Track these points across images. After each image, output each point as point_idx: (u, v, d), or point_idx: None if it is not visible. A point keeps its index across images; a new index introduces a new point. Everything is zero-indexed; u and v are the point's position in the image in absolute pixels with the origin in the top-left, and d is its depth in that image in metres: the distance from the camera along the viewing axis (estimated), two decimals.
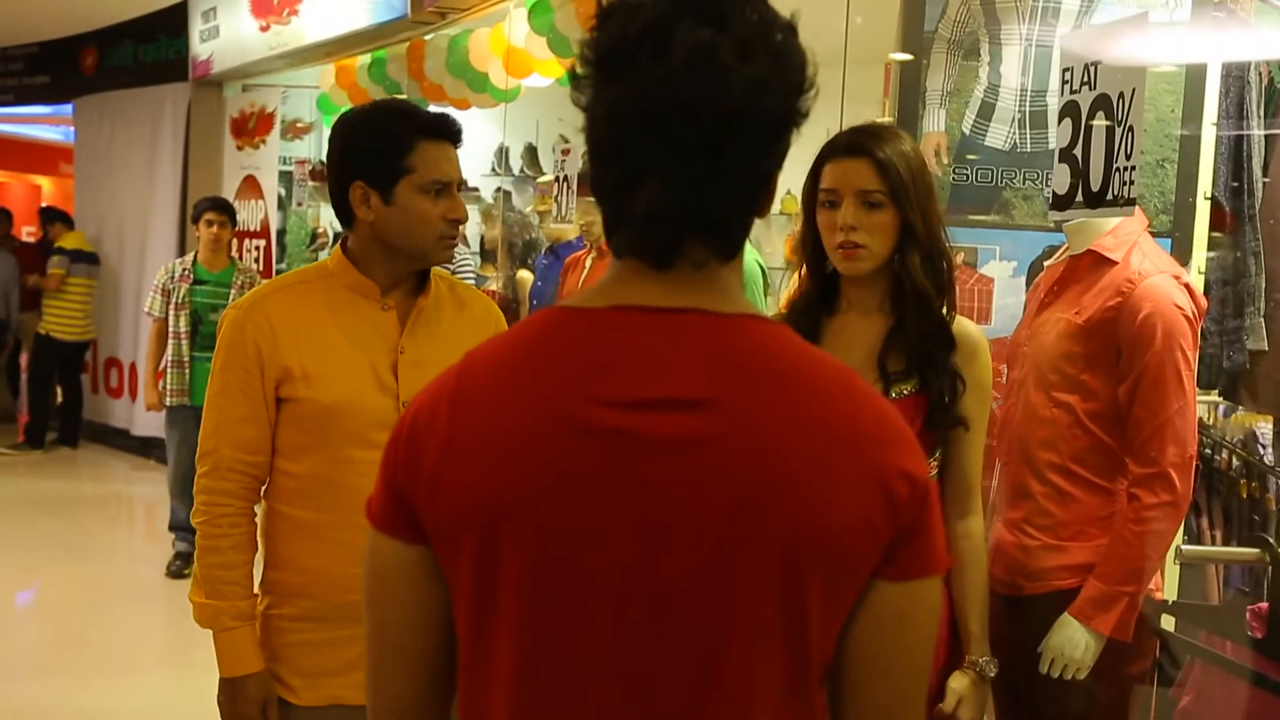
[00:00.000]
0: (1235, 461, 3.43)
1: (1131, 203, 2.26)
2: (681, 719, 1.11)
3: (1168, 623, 2.53)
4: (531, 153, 8.23)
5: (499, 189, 7.81)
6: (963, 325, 2.18)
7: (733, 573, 1.09)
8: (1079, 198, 2.37)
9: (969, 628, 2.18)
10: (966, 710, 2.13)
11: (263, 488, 2.17)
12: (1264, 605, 2.31)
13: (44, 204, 13.28)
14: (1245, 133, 3.15)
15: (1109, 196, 2.28)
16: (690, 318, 1.12)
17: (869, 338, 2.13)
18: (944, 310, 2.14)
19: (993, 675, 2.19)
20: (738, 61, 1.06)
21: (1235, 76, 3.15)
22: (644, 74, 1.07)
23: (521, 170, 8.24)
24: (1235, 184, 3.18)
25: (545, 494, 1.10)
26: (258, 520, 2.20)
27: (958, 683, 2.15)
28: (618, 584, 1.10)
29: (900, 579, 1.13)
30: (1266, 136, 3.19)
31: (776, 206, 7.71)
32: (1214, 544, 3.16)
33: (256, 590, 2.18)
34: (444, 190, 2.09)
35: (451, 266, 6.10)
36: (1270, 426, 3.46)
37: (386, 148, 2.07)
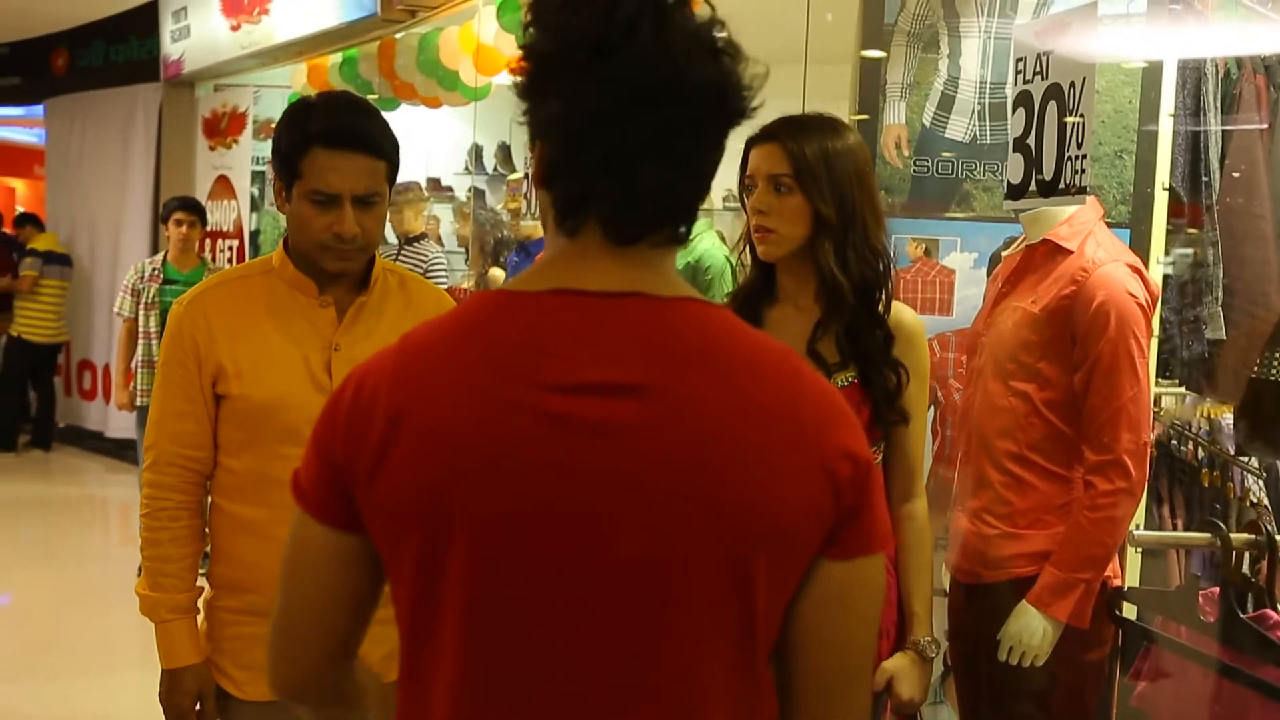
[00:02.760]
0: (1200, 452, 3.45)
1: (1083, 191, 2.27)
2: (630, 705, 1.11)
3: (1128, 611, 2.55)
4: (505, 151, 8.22)
5: (471, 187, 7.81)
6: (900, 313, 2.20)
7: (676, 557, 1.09)
8: (1033, 187, 2.39)
9: (913, 608, 2.19)
10: (905, 688, 2.14)
11: (208, 482, 2.16)
12: (1215, 590, 2.33)
13: (20, 209, 13.19)
14: (1202, 126, 3.17)
15: (1061, 185, 2.30)
16: (631, 302, 1.13)
17: (803, 328, 2.15)
18: (879, 304, 2.15)
19: (933, 656, 2.20)
20: (721, 48, 1.11)
21: (1192, 68, 3.18)
22: (642, 54, 1.08)
23: (495, 169, 8.23)
24: (1193, 175, 3.21)
25: (489, 480, 1.10)
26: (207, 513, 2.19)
27: (893, 662, 2.16)
28: (561, 571, 1.10)
29: (844, 558, 1.15)
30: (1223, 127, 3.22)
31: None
32: (1174, 532, 3.18)
33: (203, 583, 2.17)
34: (329, 202, 1.99)
35: (424, 266, 6.11)
36: (1229, 415, 3.48)
37: (285, 148, 2.02)
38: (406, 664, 1.18)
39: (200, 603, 2.17)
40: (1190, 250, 3.25)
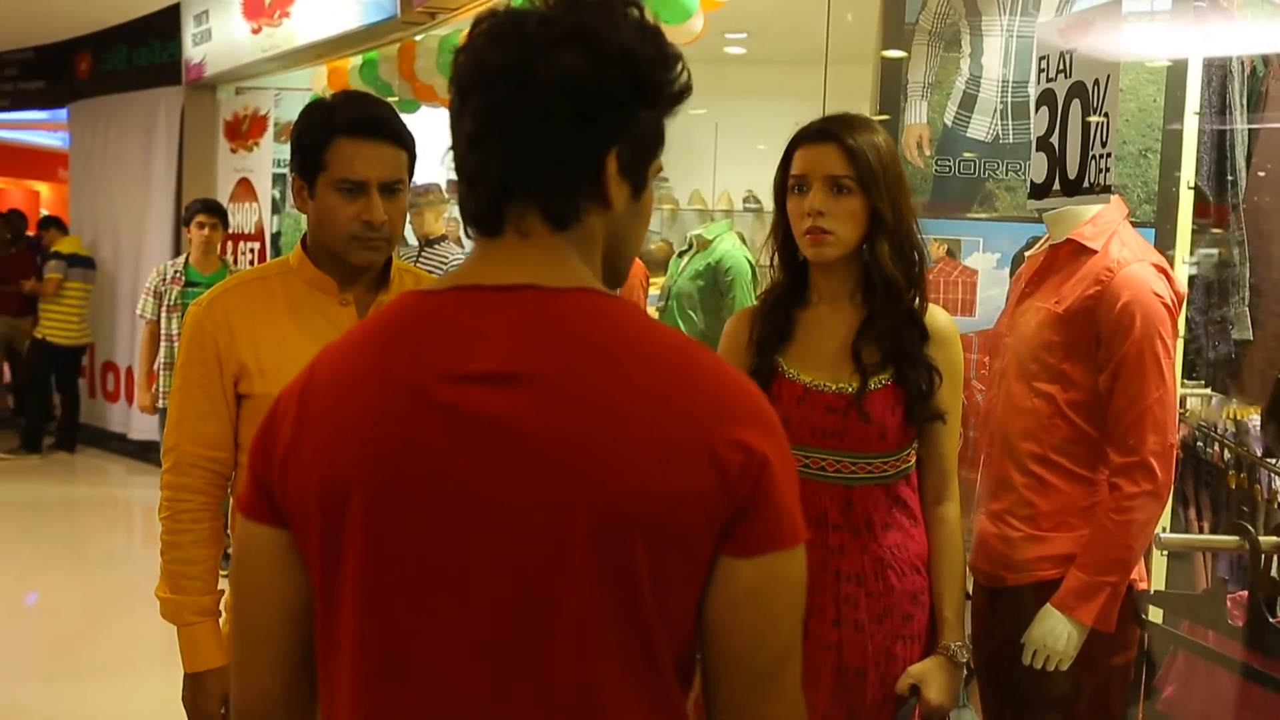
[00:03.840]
0: (1227, 454, 3.41)
1: (1108, 190, 2.25)
2: (515, 693, 1.12)
3: (1153, 614, 2.52)
4: None
5: None
6: (933, 315, 2.18)
7: (552, 545, 1.10)
8: (1056, 185, 2.36)
9: (943, 614, 2.17)
10: (933, 693, 2.12)
11: (229, 484, 2.16)
12: (1244, 593, 2.30)
13: (45, 212, 13.27)
14: (1228, 125, 3.14)
15: (1086, 184, 2.27)
16: (523, 294, 1.15)
17: (841, 330, 2.13)
18: (915, 302, 2.14)
19: (964, 661, 2.18)
20: (538, 28, 1.13)
21: (1218, 66, 3.14)
22: (468, 51, 1.16)
23: None
24: (1219, 173, 3.17)
25: (380, 471, 1.13)
26: (228, 515, 2.19)
27: (922, 666, 2.14)
28: (445, 555, 1.12)
29: (746, 554, 1.13)
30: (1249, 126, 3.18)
31: (769, 204, 7.64)
32: (1201, 534, 3.15)
33: (223, 585, 2.18)
34: (357, 189, 2.02)
35: (445, 268, 6.11)
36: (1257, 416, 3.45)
37: (308, 143, 2.04)
38: (319, 653, 1.20)
39: (222, 605, 2.17)
40: (1216, 250, 3.21)
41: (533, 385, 1.11)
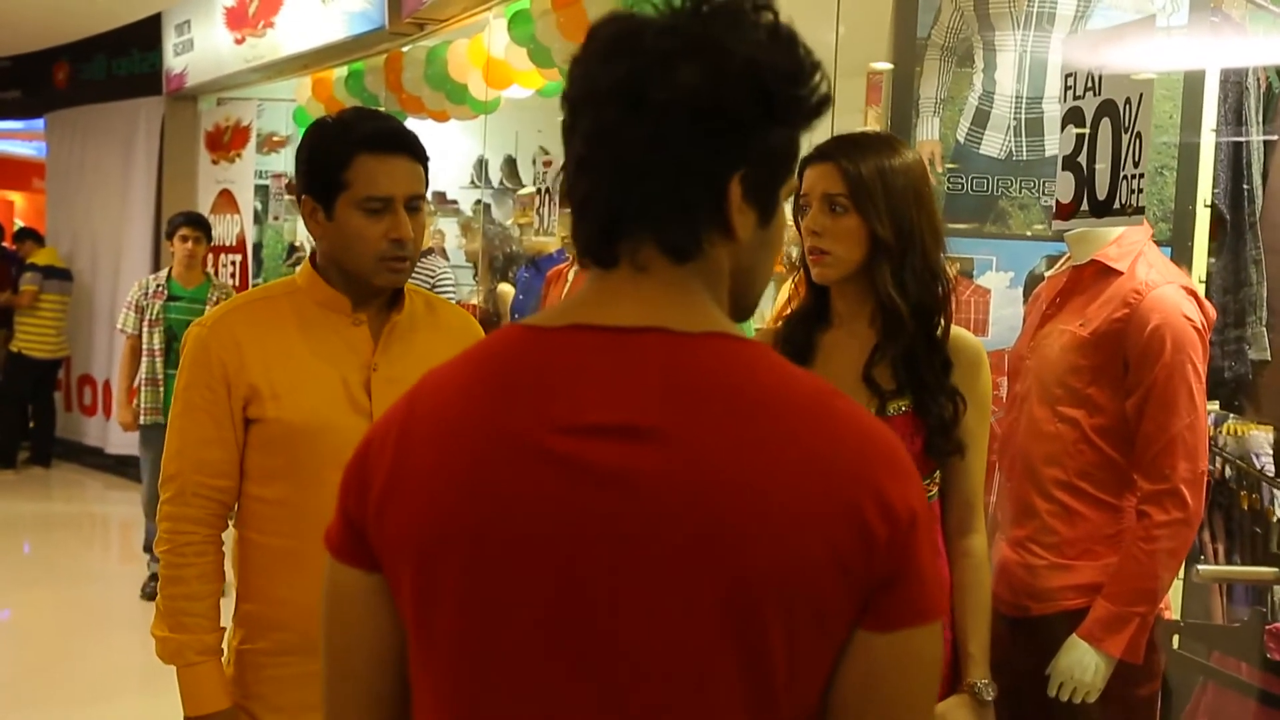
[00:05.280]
0: (1229, 471, 3.38)
1: (1140, 211, 2.20)
2: None
3: (1178, 643, 2.46)
4: (511, 165, 8.15)
5: (478, 201, 7.73)
6: (961, 338, 2.11)
7: (678, 617, 1.00)
8: (1084, 206, 2.31)
9: (968, 649, 2.11)
10: None
11: (231, 514, 2.07)
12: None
13: (19, 222, 13.12)
14: (1244, 139, 3.10)
15: (1116, 205, 2.22)
16: (649, 338, 1.05)
17: (857, 353, 2.08)
18: (937, 328, 2.07)
19: (990, 699, 2.12)
20: (656, 39, 1.03)
21: (1234, 83, 3.11)
22: (581, 65, 1.06)
23: (501, 182, 8.17)
24: (1235, 191, 3.13)
25: (484, 525, 1.03)
26: (227, 549, 2.10)
27: (947, 704, 2.08)
28: (552, 622, 1.02)
29: (885, 629, 1.02)
30: (1265, 143, 3.14)
31: None
32: (1216, 557, 3.10)
33: (227, 624, 2.08)
34: (384, 207, 1.96)
35: (431, 281, 6.03)
36: (1265, 435, 3.41)
37: (326, 162, 1.97)
38: (415, 709, 1.13)
39: (224, 643, 2.08)
40: (1233, 268, 3.17)
41: (659, 440, 1.00)
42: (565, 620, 1.02)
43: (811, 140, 2.16)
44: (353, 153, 1.94)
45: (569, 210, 1.11)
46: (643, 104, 1.02)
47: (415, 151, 1.99)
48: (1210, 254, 3.15)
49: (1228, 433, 3.47)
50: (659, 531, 0.99)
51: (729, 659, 1.00)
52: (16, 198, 15.74)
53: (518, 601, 1.03)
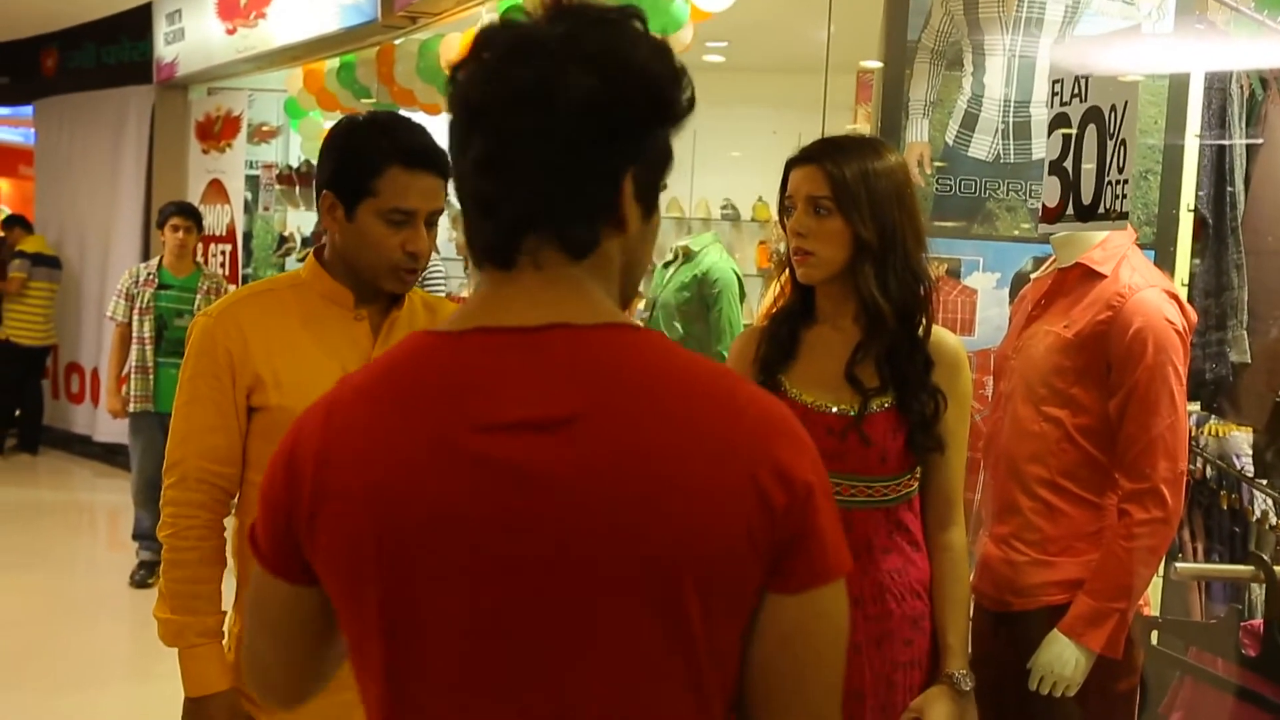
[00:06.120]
0: (1210, 472, 3.43)
1: (1124, 216, 2.24)
2: None
3: (1156, 639, 2.51)
4: None
5: None
6: (941, 338, 2.16)
7: (600, 594, 1.06)
8: (1069, 210, 2.35)
9: (947, 641, 2.16)
10: None
11: (233, 502, 2.10)
12: (1257, 622, 2.30)
13: (4, 209, 13.06)
14: (1227, 143, 3.15)
15: (1101, 210, 2.26)
16: (553, 334, 1.10)
17: (842, 351, 2.12)
18: (919, 327, 2.12)
19: (969, 689, 2.16)
20: (557, 46, 1.08)
21: (1217, 89, 3.15)
22: (477, 66, 1.11)
23: None
24: (1218, 196, 3.18)
25: (408, 529, 1.08)
26: (229, 536, 2.14)
27: (926, 696, 2.12)
28: (481, 611, 1.07)
29: (793, 590, 1.09)
30: (1248, 147, 3.19)
31: (747, 213, 7.66)
32: (1196, 556, 3.16)
33: (228, 608, 2.12)
34: (406, 220, 1.99)
35: (429, 279, 6.05)
36: (1245, 436, 3.47)
37: (357, 165, 1.99)
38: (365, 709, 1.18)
39: (225, 628, 2.11)
40: (1214, 272, 3.22)
41: (570, 430, 1.06)
42: (492, 616, 1.07)
43: (801, 140, 2.21)
44: (387, 163, 1.96)
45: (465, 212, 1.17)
46: (552, 108, 1.07)
47: (443, 169, 2.01)
48: (1193, 257, 3.20)
49: (1209, 434, 3.53)
50: (575, 517, 1.05)
51: (656, 636, 1.06)
52: (2, 184, 15.68)
53: (445, 601, 1.08)
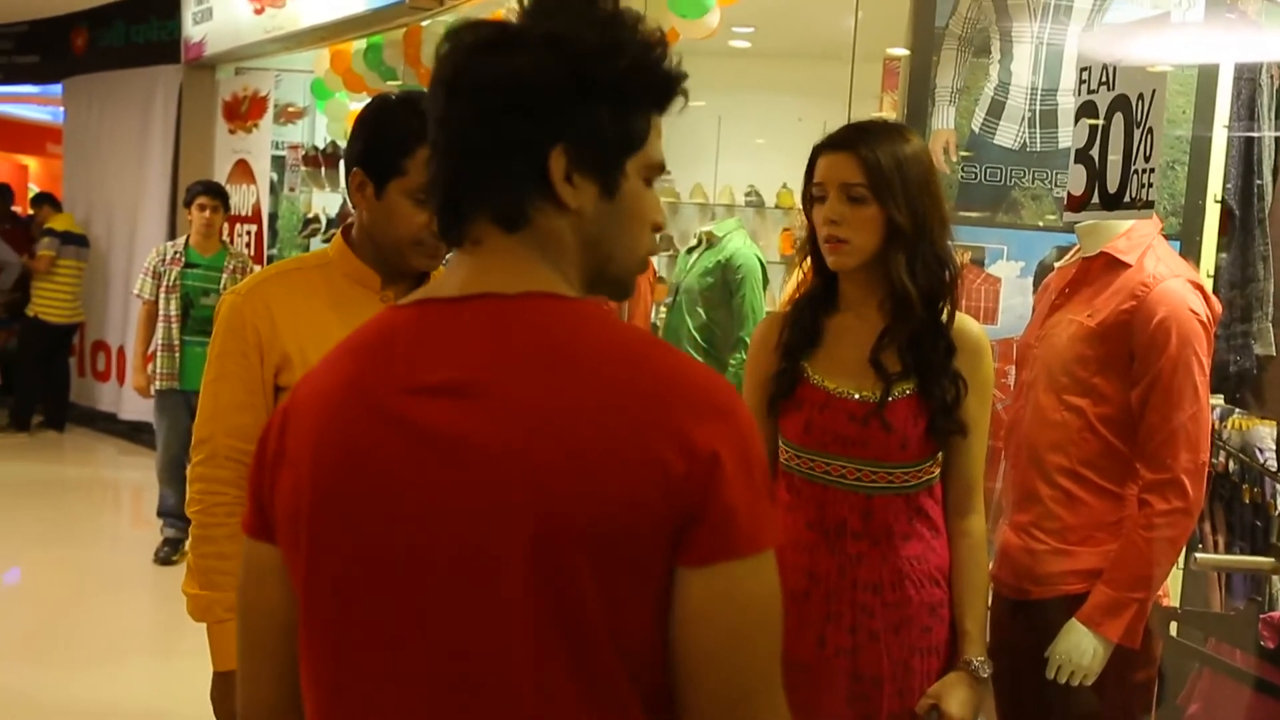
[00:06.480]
0: (1232, 465, 3.42)
1: (1150, 205, 2.23)
2: (466, 713, 1.09)
3: (1175, 630, 2.51)
4: None
5: None
6: (965, 324, 2.16)
7: (493, 557, 1.07)
8: (1095, 199, 2.34)
9: (965, 627, 2.16)
10: (954, 707, 2.10)
11: None
12: (1277, 614, 2.29)
13: (34, 187, 13.16)
14: (1256, 135, 3.13)
15: (1127, 199, 2.25)
16: (476, 304, 1.14)
17: (866, 338, 2.12)
18: (943, 314, 2.12)
19: (987, 676, 2.16)
20: (470, 31, 1.14)
21: (1246, 79, 3.13)
22: (439, 58, 1.17)
23: None
24: (1246, 187, 3.16)
25: (331, 486, 1.14)
26: None
27: (944, 681, 2.12)
28: (390, 573, 1.11)
29: (701, 563, 1.06)
30: (1277, 139, 3.17)
31: (771, 200, 7.63)
32: (1216, 548, 3.14)
33: None
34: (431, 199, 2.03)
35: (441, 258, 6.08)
36: (1269, 429, 3.45)
37: (388, 144, 2.01)
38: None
39: None
40: (1241, 263, 3.20)
41: (478, 395, 1.09)
42: (399, 571, 1.10)
43: (827, 127, 2.21)
44: (418, 143, 1.96)
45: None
46: (459, 88, 1.13)
47: None
48: (1219, 249, 3.18)
49: (1233, 427, 3.51)
50: (474, 479, 1.07)
51: (542, 598, 1.05)
52: (31, 162, 15.80)
53: (356, 557, 1.12)
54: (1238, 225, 3.18)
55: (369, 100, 2.18)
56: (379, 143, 2.02)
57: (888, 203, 2.06)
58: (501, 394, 1.08)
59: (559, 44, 1.11)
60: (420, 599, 1.09)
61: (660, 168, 1.17)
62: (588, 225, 1.16)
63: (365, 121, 2.07)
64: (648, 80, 1.16)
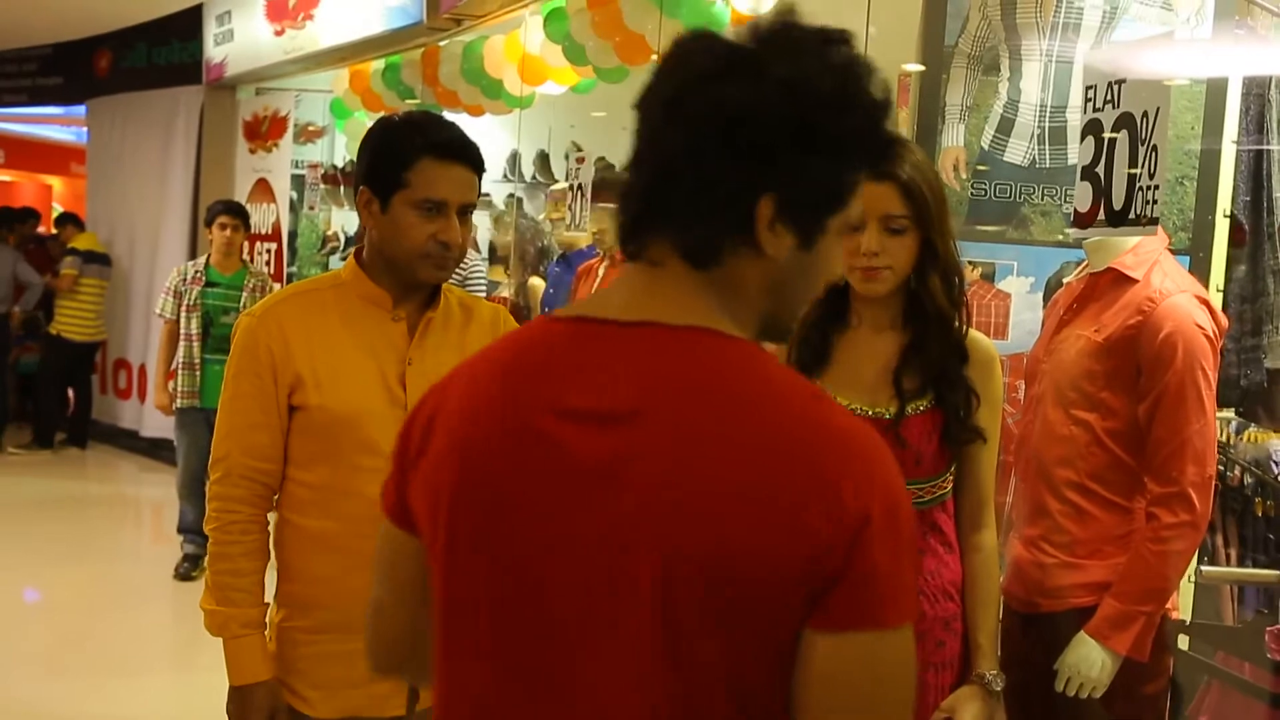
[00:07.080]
0: (1248, 479, 3.41)
1: (1154, 222, 2.25)
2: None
3: (1184, 643, 2.51)
4: (543, 159, 8.22)
5: (511, 195, 7.81)
6: (975, 338, 2.17)
7: (618, 589, 1.06)
8: (1101, 216, 2.36)
9: (978, 640, 2.16)
10: None
11: (275, 497, 2.16)
12: None
13: (58, 207, 13.28)
14: (1265, 148, 3.14)
15: (1131, 215, 2.27)
16: (641, 331, 1.11)
17: (882, 354, 2.13)
18: (955, 321, 2.13)
19: (999, 690, 2.17)
20: (703, 58, 1.10)
21: (1255, 94, 3.14)
22: (652, 74, 1.14)
23: (533, 177, 8.24)
24: (1255, 202, 3.17)
25: (475, 498, 1.14)
26: (271, 530, 2.19)
27: (957, 696, 2.13)
28: (513, 589, 1.12)
29: (834, 629, 1.02)
30: None
31: None
32: (1229, 562, 3.14)
33: (270, 601, 2.18)
34: (437, 210, 2.05)
35: (463, 273, 6.10)
36: None
37: (389, 158, 2.06)
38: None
39: (267, 619, 2.17)
40: (1251, 278, 3.21)
41: (628, 425, 1.06)
42: (514, 590, 1.11)
43: None
44: (418, 155, 2.03)
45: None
46: (680, 114, 1.09)
47: (475, 162, 2.09)
48: (1233, 263, 3.19)
49: (1248, 440, 3.51)
50: (607, 509, 1.06)
51: (655, 631, 1.04)
52: (55, 182, 15.95)
53: (478, 568, 1.14)
54: (1248, 239, 3.19)
55: (373, 121, 2.24)
56: (381, 158, 2.08)
57: (928, 229, 2.05)
58: (651, 427, 1.06)
59: (794, 91, 1.05)
60: (540, 618, 1.10)
61: (853, 225, 1.14)
62: (775, 274, 1.12)
63: (368, 140, 2.13)
64: (873, 140, 1.11)
